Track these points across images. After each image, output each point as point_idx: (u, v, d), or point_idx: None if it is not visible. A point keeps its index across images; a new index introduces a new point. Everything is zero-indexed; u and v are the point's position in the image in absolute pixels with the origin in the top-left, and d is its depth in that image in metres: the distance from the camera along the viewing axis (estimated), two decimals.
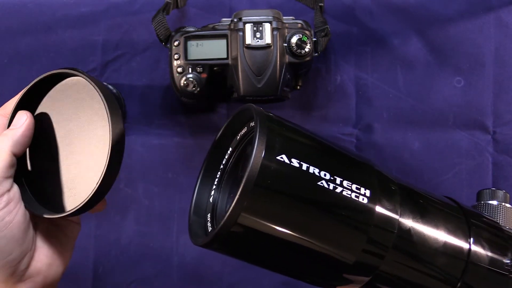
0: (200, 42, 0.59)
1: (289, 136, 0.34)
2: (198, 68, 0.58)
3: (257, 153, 0.31)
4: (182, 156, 0.65)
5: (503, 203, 0.47)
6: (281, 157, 0.31)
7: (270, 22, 0.57)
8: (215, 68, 0.59)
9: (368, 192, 0.34)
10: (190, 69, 0.58)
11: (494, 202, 0.47)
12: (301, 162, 0.32)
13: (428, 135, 0.65)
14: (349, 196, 0.33)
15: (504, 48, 0.65)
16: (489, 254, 0.39)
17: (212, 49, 0.58)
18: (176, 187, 0.65)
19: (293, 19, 0.59)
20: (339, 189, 0.33)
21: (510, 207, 0.47)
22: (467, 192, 0.63)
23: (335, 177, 0.33)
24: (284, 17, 0.59)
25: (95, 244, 0.64)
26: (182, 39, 0.59)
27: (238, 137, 0.38)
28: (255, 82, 0.57)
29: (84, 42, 0.66)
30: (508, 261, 0.39)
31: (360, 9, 0.66)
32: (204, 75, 0.59)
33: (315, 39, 0.60)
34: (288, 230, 0.32)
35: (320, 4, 0.63)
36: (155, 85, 0.66)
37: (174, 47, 0.59)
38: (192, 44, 0.59)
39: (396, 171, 0.64)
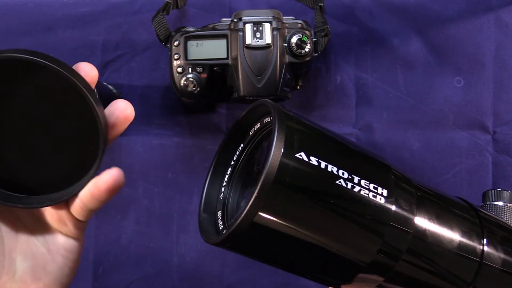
0: (200, 42, 0.59)
1: (308, 134, 0.33)
2: (198, 68, 0.58)
3: (276, 150, 0.30)
4: (182, 156, 0.65)
5: (508, 204, 0.47)
6: (300, 155, 0.31)
7: (270, 22, 0.57)
8: (215, 68, 0.59)
9: (385, 192, 0.34)
10: (190, 69, 0.58)
11: (500, 203, 0.47)
12: (320, 160, 0.31)
13: (428, 135, 0.65)
14: (367, 195, 0.33)
15: (504, 48, 0.65)
16: (502, 255, 0.39)
17: (212, 49, 0.58)
18: (176, 187, 0.65)
19: (293, 19, 0.59)
20: (357, 188, 0.32)
21: None
22: (467, 192, 0.63)
23: (353, 176, 0.32)
24: (284, 17, 0.59)
25: (95, 244, 0.64)
26: (182, 39, 0.59)
27: (251, 133, 0.38)
28: (255, 82, 0.57)
29: (84, 42, 0.66)
30: None
31: (360, 9, 0.66)
32: (204, 75, 0.59)
33: (315, 39, 0.60)
34: (304, 229, 0.32)
35: (320, 4, 0.63)
36: (155, 85, 0.66)
37: (174, 47, 0.59)
38: (192, 44, 0.59)
39: None
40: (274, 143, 0.30)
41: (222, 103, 0.66)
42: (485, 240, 0.38)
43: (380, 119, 0.65)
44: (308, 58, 0.58)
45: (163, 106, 0.66)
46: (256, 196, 0.30)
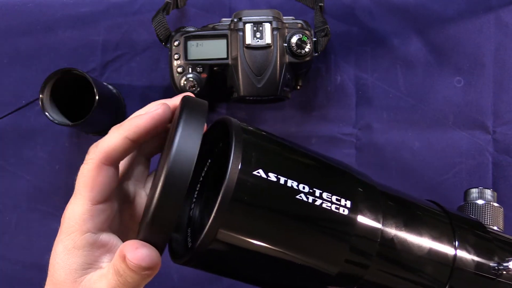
0: (200, 42, 0.59)
1: (266, 149, 0.33)
2: (198, 68, 0.58)
3: (233, 168, 0.30)
4: None
5: (491, 202, 0.46)
6: (258, 172, 0.31)
7: (270, 22, 0.57)
8: (215, 68, 0.59)
9: (348, 203, 0.33)
10: (190, 69, 0.58)
11: (481, 202, 0.46)
12: (279, 176, 0.31)
13: (428, 135, 0.65)
14: (329, 208, 0.33)
15: (504, 48, 0.65)
16: (475, 258, 0.38)
17: (212, 49, 0.58)
18: None
19: (293, 19, 0.59)
20: (318, 202, 0.32)
21: (497, 206, 0.46)
22: None
23: (314, 189, 0.32)
24: (284, 17, 0.59)
25: None
26: (182, 39, 0.59)
27: (217, 150, 0.38)
28: (255, 82, 0.57)
29: (84, 42, 0.66)
30: (495, 265, 0.39)
31: (360, 9, 0.66)
32: (204, 75, 0.59)
33: (315, 39, 0.60)
34: (268, 244, 0.32)
35: (320, 4, 0.63)
36: (155, 85, 0.66)
37: (174, 47, 0.59)
38: (192, 44, 0.59)
39: (396, 171, 0.64)
40: (231, 161, 0.30)
41: (222, 103, 0.66)
42: (457, 244, 0.38)
43: (380, 119, 0.65)
44: (308, 58, 0.58)
45: None
46: (214, 216, 0.29)
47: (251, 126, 0.34)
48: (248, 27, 0.57)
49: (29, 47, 0.66)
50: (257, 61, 0.57)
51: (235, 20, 0.58)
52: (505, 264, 0.39)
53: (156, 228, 0.29)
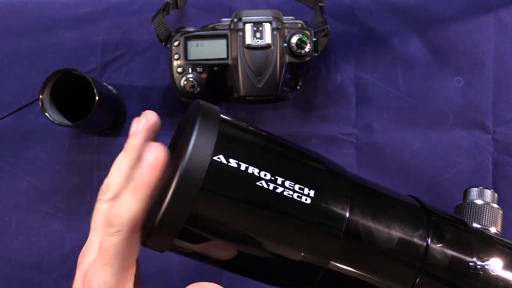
0: (200, 42, 0.59)
1: (228, 135, 0.33)
2: (198, 68, 0.58)
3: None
4: None
5: (490, 203, 0.45)
6: (218, 158, 0.31)
7: (270, 22, 0.57)
8: (215, 68, 0.59)
9: (312, 192, 0.33)
10: (190, 69, 0.58)
11: (480, 202, 0.45)
12: (240, 162, 0.31)
13: (428, 135, 0.65)
14: (291, 196, 0.32)
15: (504, 48, 0.65)
16: (450, 255, 0.38)
17: (212, 49, 0.58)
18: None
19: (293, 19, 0.59)
20: (279, 189, 0.32)
21: (497, 208, 0.45)
22: None
23: (276, 177, 0.32)
24: (284, 17, 0.59)
25: None
26: (182, 39, 0.59)
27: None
28: (255, 82, 0.57)
29: (84, 42, 0.66)
30: (472, 263, 0.38)
31: (360, 9, 0.66)
32: (204, 75, 0.59)
33: (315, 39, 0.60)
34: (227, 230, 0.32)
35: (320, 4, 0.63)
36: (155, 85, 0.66)
37: (174, 47, 0.59)
38: (192, 44, 0.59)
39: (396, 171, 0.64)
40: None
41: (222, 103, 0.66)
42: (429, 240, 0.37)
43: (380, 119, 0.65)
44: (308, 58, 0.58)
45: (163, 106, 0.66)
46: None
47: (222, 113, 0.34)
48: (248, 27, 0.57)
49: (29, 47, 0.66)
50: (257, 61, 0.57)
51: (235, 20, 0.58)
52: (482, 263, 0.38)
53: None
